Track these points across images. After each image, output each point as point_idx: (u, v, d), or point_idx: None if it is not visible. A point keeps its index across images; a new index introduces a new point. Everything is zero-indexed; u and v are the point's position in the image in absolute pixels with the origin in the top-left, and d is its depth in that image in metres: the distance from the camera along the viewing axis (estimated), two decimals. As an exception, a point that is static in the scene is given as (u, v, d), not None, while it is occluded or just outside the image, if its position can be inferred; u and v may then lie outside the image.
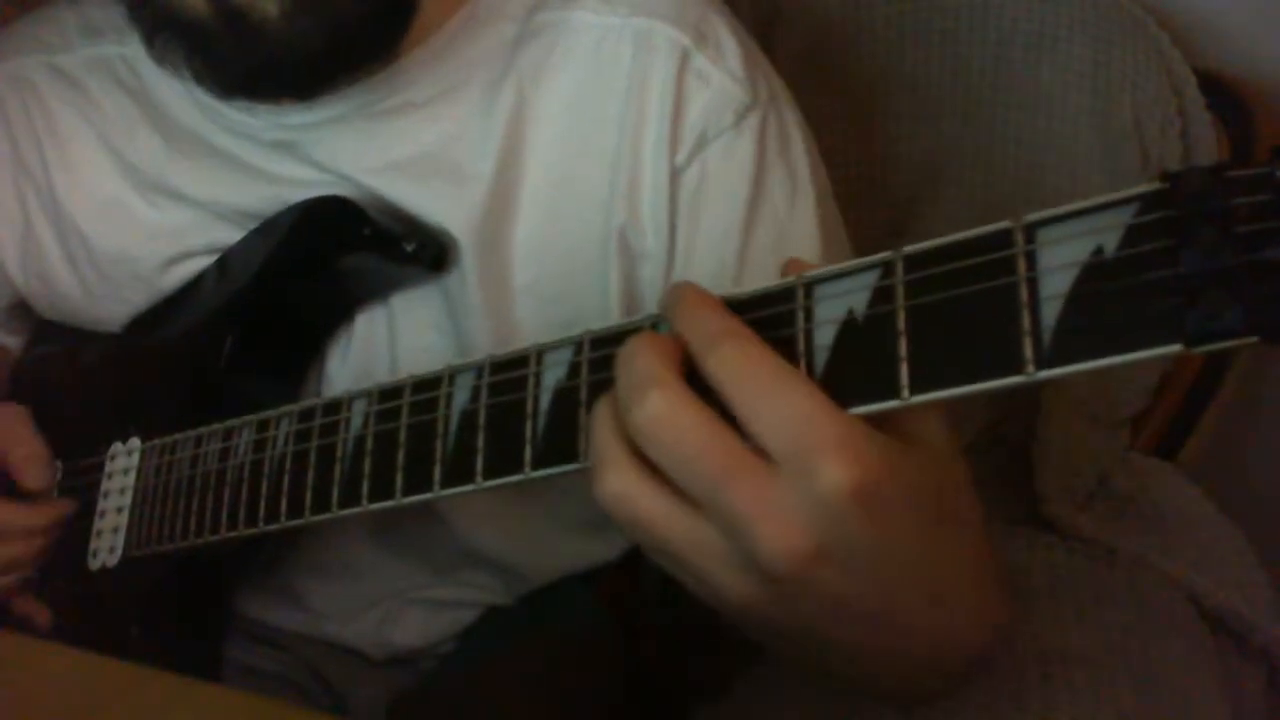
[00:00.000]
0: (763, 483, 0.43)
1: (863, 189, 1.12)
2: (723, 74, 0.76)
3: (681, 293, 0.49)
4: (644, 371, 0.45)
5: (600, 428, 0.48)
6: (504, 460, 0.56)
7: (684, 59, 0.76)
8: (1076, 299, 0.40)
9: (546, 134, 0.78)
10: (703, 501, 0.45)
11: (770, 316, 0.48)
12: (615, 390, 0.47)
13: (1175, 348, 0.38)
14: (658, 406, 0.45)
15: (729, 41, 0.78)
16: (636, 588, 0.93)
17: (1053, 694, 0.82)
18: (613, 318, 0.77)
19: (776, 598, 0.46)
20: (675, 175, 0.76)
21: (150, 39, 0.75)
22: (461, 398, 0.59)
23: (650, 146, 0.76)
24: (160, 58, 0.75)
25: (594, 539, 0.90)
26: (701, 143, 0.76)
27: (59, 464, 0.86)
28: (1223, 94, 1.04)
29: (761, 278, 0.50)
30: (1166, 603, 0.93)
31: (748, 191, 0.77)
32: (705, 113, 0.76)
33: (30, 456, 0.84)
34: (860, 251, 0.48)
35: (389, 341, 0.81)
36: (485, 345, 0.76)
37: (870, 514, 0.43)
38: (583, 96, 0.77)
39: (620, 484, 0.46)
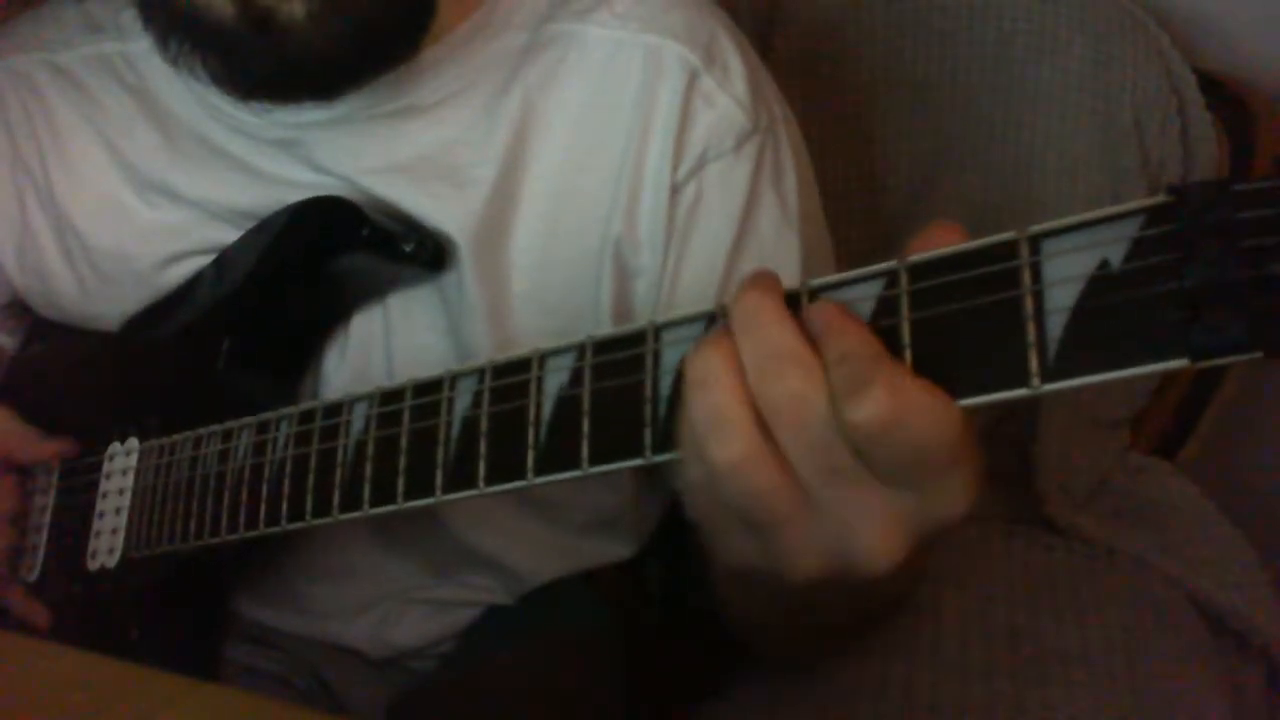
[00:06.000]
0: (876, 490, 0.45)
1: (862, 189, 1.12)
2: (728, 98, 0.77)
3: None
4: (787, 349, 0.45)
5: (722, 390, 0.45)
6: (506, 466, 0.55)
7: (692, 79, 0.76)
8: (1082, 312, 0.40)
9: (551, 144, 0.78)
10: (819, 490, 0.46)
11: None
12: (743, 356, 0.46)
13: (1181, 362, 0.38)
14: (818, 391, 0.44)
15: (736, 64, 0.78)
16: (636, 588, 0.93)
17: (1052, 694, 0.82)
18: None
19: (839, 582, 0.48)
20: (673, 192, 0.76)
21: (165, 40, 0.74)
22: (463, 403, 0.58)
23: (653, 162, 0.76)
24: (174, 59, 0.74)
25: (594, 541, 0.90)
26: (701, 163, 0.76)
27: (56, 468, 0.86)
28: (1223, 94, 1.04)
29: None
30: (1166, 603, 0.93)
31: (738, 218, 0.77)
32: (708, 134, 0.76)
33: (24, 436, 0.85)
34: (859, 254, 0.47)
35: (385, 342, 0.80)
36: (483, 349, 0.76)
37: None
38: (590, 109, 0.77)
39: (744, 450, 0.45)
